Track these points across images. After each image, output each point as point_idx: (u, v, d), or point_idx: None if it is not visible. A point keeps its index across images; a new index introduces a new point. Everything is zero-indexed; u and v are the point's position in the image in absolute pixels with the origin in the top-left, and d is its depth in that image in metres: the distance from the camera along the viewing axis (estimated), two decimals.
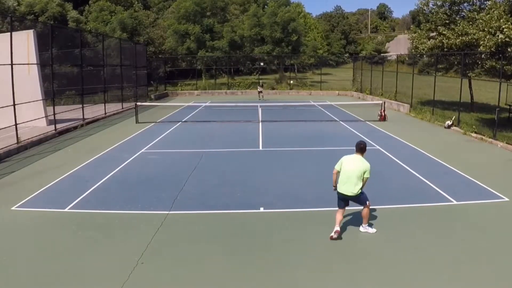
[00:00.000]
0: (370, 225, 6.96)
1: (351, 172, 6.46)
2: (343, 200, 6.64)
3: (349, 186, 6.49)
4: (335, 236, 6.44)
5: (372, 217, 7.51)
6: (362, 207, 6.83)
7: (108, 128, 17.92)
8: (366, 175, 6.52)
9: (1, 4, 29.95)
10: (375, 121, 18.85)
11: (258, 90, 30.30)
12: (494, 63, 17.20)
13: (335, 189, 6.70)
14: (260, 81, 33.35)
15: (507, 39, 14.97)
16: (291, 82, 35.28)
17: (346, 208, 6.76)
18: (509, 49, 15.25)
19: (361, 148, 6.67)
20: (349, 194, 6.50)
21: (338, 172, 6.66)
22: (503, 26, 15.26)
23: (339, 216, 6.61)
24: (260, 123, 18.02)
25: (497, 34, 15.50)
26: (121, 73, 25.69)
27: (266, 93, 34.75)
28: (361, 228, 6.83)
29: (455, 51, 19.12)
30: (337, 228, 6.47)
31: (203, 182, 9.64)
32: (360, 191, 6.53)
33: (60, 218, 7.55)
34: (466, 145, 13.98)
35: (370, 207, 6.85)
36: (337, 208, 6.73)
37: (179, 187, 9.16)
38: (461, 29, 18.70)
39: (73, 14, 34.61)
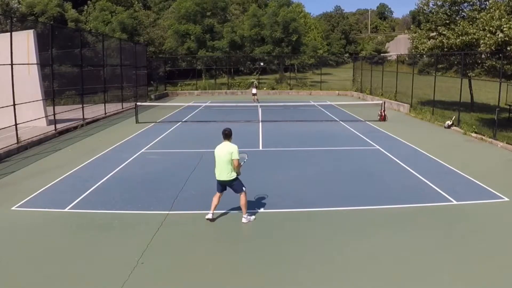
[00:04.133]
0: (251, 214, 7.37)
1: (220, 158, 7.00)
2: (221, 185, 7.18)
3: (220, 171, 7.03)
4: (209, 217, 7.18)
5: (372, 217, 7.53)
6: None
7: (108, 128, 17.92)
8: (234, 156, 6.92)
9: (4, 5, 29.95)
10: (375, 121, 18.84)
11: (253, 92, 26.73)
12: (494, 63, 17.20)
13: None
14: (254, 80, 29.21)
15: (506, 38, 14.95)
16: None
17: (341, 208, 6.81)
18: (508, 48, 15.23)
19: (225, 135, 7.20)
20: (222, 179, 7.04)
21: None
22: (504, 26, 15.25)
23: (214, 200, 7.21)
24: (260, 123, 18.02)
25: (497, 33, 15.49)
26: (121, 73, 25.69)
27: (266, 93, 34.76)
28: (243, 219, 7.15)
29: (455, 51, 19.11)
30: (211, 213, 7.18)
31: (203, 182, 9.62)
32: (233, 177, 7.00)
33: (60, 218, 7.54)
34: (466, 145, 13.97)
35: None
36: (339, 208, 6.88)
37: (179, 187, 9.16)
38: (461, 29, 18.69)
39: (72, 13, 34.57)
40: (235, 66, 42.52)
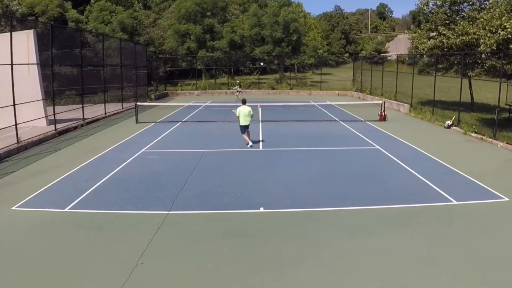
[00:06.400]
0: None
1: (244, 113, 13.07)
2: (244, 128, 13.22)
3: (244, 120, 13.10)
4: (250, 144, 13.12)
5: (372, 217, 7.54)
6: None
7: (108, 128, 17.92)
8: (252, 113, 13.29)
9: (4, 6, 29.94)
10: (375, 121, 18.84)
11: (237, 89, 29.80)
12: (494, 63, 17.19)
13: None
14: (238, 81, 34.30)
15: (508, 36, 14.89)
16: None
17: (341, 208, 6.99)
18: (510, 46, 15.18)
19: (243, 102, 13.59)
20: (246, 123, 13.11)
21: (238, 116, 13.18)
22: (505, 25, 15.23)
23: (245, 137, 13.31)
24: (260, 123, 18.02)
25: (498, 32, 15.46)
26: (121, 73, 25.69)
27: (266, 93, 34.82)
28: (250, 142, 13.18)
29: (455, 51, 19.11)
30: (250, 143, 13.19)
31: (203, 182, 9.64)
32: (250, 122, 13.25)
33: (60, 218, 7.55)
34: (466, 145, 13.98)
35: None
36: (339, 208, 7.27)
37: (179, 187, 9.16)
38: (461, 29, 18.70)
39: (73, 13, 34.57)
40: (235, 66, 42.52)
